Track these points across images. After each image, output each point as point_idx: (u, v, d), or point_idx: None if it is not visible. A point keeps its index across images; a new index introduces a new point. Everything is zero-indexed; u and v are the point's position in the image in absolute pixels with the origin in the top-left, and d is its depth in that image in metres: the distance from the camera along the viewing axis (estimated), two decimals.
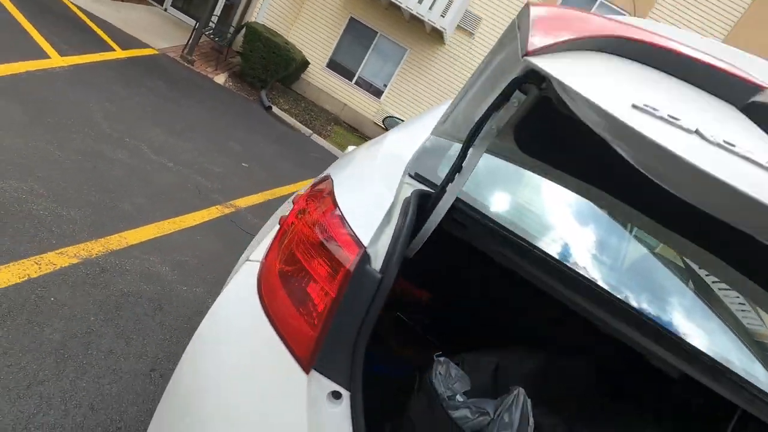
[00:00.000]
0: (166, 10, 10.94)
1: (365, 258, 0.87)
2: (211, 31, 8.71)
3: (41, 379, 1.63)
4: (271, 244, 1.02)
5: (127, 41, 6.55)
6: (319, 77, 12.82)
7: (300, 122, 8.43)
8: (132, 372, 1.86)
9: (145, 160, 3.64)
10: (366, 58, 12.99)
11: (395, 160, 1.25)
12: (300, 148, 7.10)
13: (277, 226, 1.08)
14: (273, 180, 4.94)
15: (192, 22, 10.33)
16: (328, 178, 1.13)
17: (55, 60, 4.46)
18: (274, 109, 8.17)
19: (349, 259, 0.86)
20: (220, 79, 8.20)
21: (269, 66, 8.59)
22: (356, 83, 13.21)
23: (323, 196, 1.02)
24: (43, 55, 4.40)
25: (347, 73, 13.21)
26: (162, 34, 8.37)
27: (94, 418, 1.61)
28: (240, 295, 0.99)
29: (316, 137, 8.19)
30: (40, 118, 3.35)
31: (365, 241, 0.90)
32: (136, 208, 2.96)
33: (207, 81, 7.48)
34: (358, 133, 12.61)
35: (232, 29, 8.83)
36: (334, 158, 7.62)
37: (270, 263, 0.97)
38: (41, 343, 1.76)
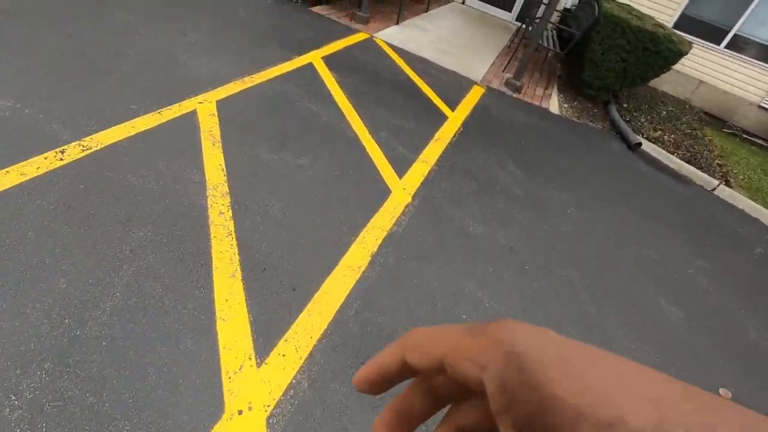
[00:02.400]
0: (464, 2, 8.89)
1: None
2: (531, 27, 6.12)
3: None
4: None
5: (449, 88, 4.71)
6: None
7: (681, 158, 5.08)
8: None
9: None
10: (755, 1, 7.92)
11: None
12: (731, 249, 3.88)
13: None
14: None
15: (497, 11, 7.95)
16: None
17: (398, 196, 2.79)
18: (644, 143, 5.10)
19: None
20: (553, 103, 5.63)
21: (632, 69, 5.44)
22: (728, 46, 8.39)
23: None
24: (386, 193, 2.81)
25: (713, 33, 8.47)
26: (474, 47, 6.33)
27: None
28: None
29: (723, 192, 4.72)
30: None
31: None
32: None
33: (542, 115, 5.06)
34: (726, 126, 8.01)
35: (557, 17, 5.98)
36: None
37: None
38: None
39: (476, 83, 5.17)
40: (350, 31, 5.24)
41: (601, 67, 5.54)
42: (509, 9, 8.71)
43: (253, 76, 3.53)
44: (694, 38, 8.70)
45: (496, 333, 0.22)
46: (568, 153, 4.36)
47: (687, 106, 8.04)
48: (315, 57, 4.22)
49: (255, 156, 2.69)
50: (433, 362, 0.24)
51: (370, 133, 3.33)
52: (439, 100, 4.33)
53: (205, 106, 2.95)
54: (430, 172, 3.13)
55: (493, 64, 6.01)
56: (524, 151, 4.00)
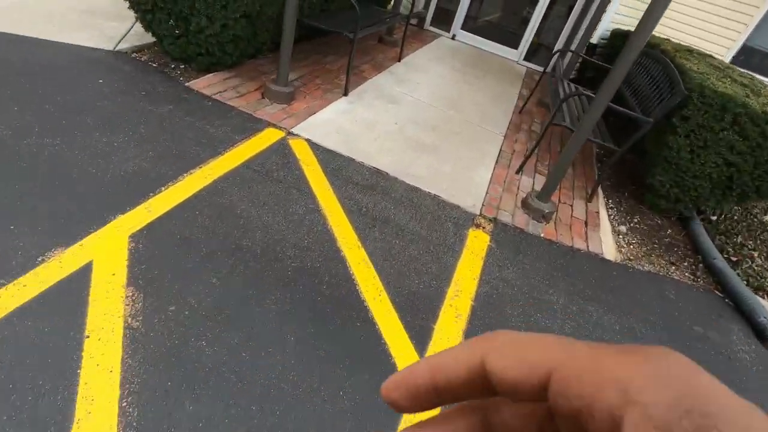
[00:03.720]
0: (454, 37, 6.51)
1: None
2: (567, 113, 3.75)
3: None
4: None
5: (422, 261, 2.27)
6: None
7: None
8: None
9: None
10: None
11: None
12: None
13: None
14: None
15: (498, 48, 5.44)
16: None
17: None
18: None
19: None
20: (606, 233, 3.24)
21: (745, 178, 3.09)
22: None
23: None
24: None
25: None
26: (468, 124, 3.84)
27: None
28: None
29: None
30: None
31: None
32: None
33: (595, 272, 2.69)
34: None
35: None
36: None
37: None
38: None
39: (474, 220, 2.78)
40: (249, 129, 2.85)
41: (688, 171, 3.15)
42: (514, 45, 6.34)
43: None
44: (762, 77, 6.40)
45: (663, 359, 0.14)
46: None
47: None
48: (115, 238, 1.84)
49: None
50: (533, 375, 0.15)
51: None
52: (397, 320, 1.94)
53: None
54: None
55: (499, 156, 3.62)
56: None
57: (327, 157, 2.84)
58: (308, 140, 2.96)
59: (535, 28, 6.11)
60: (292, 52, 3.61)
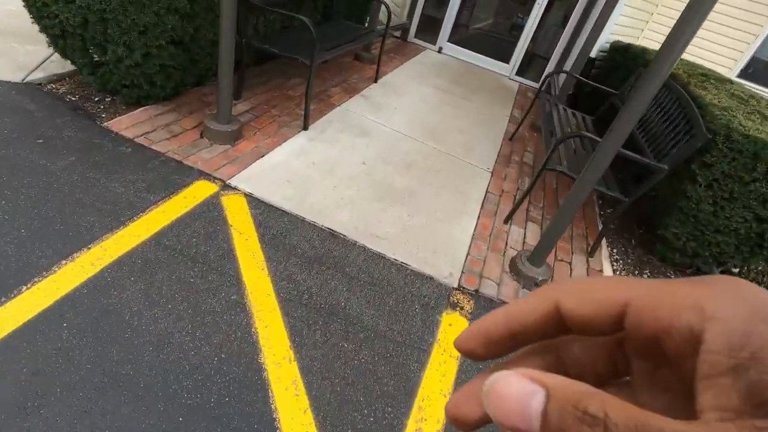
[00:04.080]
0: (441, 50, 5.96)
1: None
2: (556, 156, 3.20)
3: None
4: None
5: (379, 395, 1.77)
6: None
7: None
8: None
9: None
10: None
11: None
12: None
13: None
14: None
15: (488, 62, 4.86)
16: None
17: None
18: None
19: None
20: None
21: None
22: None
23: None
24: None
25: None
26: (451, 158, 3.23)
27: None
28: None
29: None
30: None
31: None
32: None
33: None
34: None
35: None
36: None
37: None
38: None
39: (450, 296, 2.23)
40: (172, 185, 2.30)
41: (709, 225, 2.61)
42: (506, 59, 5.79)
43: None
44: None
45: (733, 284, 0.16)
46: None
47: None
48: None
49: None
50: (608, 310, 0.17)
51: None
52: None
53: None
54: None
55: (485, 200, 3.07)
56: None
57: (268, 219, 2.29)
58: (248, 195, 2.41)
59: (528, 41, 5.57)
60: (250, 75, 3.08)
